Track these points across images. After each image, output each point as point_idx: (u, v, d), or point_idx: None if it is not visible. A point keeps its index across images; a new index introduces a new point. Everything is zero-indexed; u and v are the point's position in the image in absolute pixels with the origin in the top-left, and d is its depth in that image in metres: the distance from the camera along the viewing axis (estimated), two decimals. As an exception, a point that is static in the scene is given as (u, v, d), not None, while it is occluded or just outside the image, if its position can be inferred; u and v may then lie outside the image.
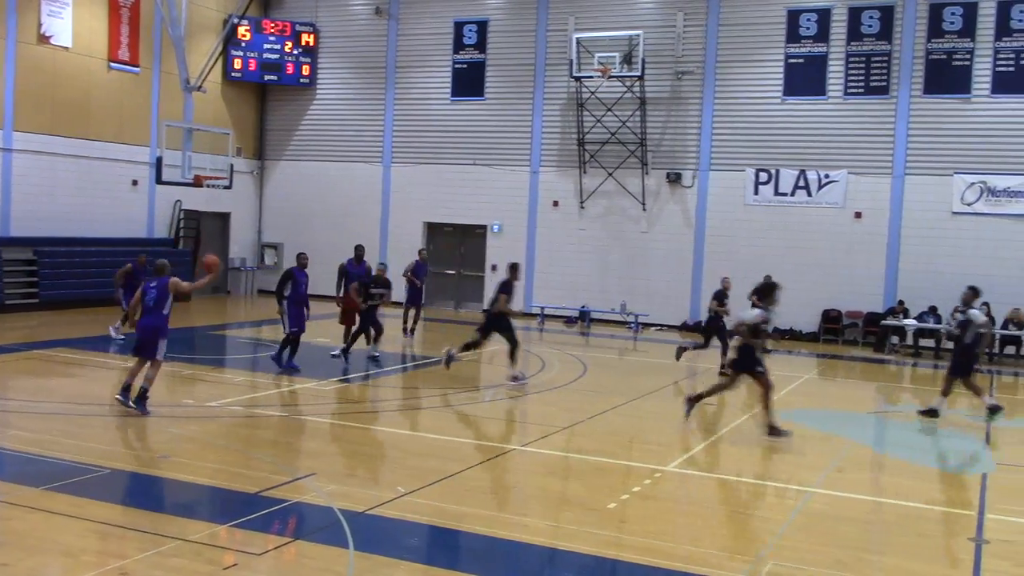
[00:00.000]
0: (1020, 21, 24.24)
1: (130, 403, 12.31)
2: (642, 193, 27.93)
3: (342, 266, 19.25)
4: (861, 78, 25.73)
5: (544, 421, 13.68)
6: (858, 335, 25.63)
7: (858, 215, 25.71)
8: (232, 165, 26.28)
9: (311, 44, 31.87)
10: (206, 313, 18.82)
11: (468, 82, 30.09)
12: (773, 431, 12.92)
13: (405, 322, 22.63)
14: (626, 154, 27.97)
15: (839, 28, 25.94)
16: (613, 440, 12.67)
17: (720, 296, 19.14)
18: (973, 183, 24.59)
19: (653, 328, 27.28)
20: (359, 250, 19.65)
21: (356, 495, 9.38)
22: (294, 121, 32.68)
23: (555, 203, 29.03)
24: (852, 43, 25.81)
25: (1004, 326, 23.75)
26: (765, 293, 14.01)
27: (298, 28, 31.67)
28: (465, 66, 30.14)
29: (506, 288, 16.59)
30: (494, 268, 29.43)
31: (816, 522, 9.34)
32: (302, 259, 17.35)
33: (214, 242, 30.81)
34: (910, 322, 24.22)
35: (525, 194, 29.43)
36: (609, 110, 27.97)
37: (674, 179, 27.58)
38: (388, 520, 8.65)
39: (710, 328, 19.39)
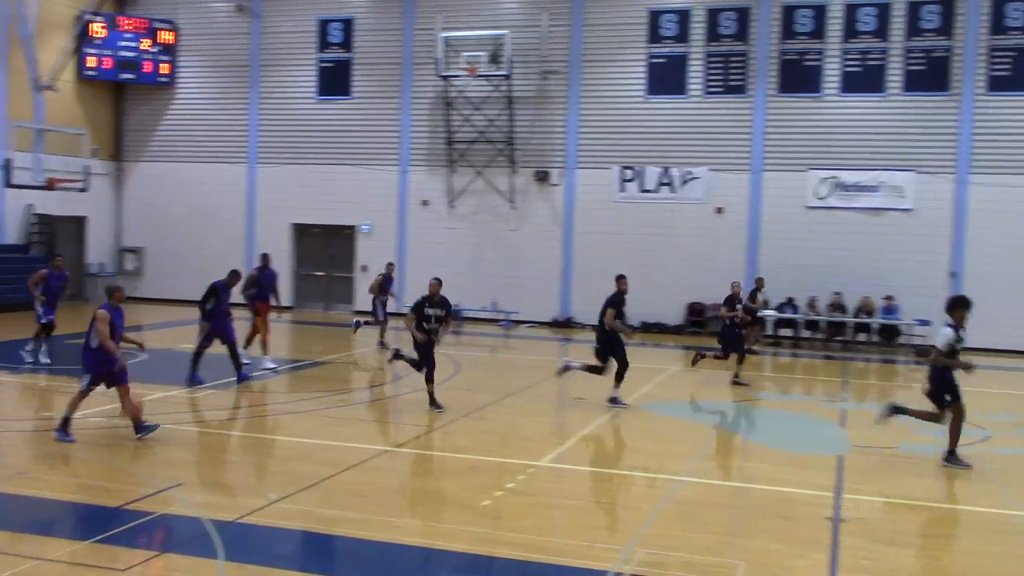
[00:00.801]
0: (866, 24, 25.43)
1: (138, 434, 11.60)
2: (511, 192, 28.15)
3: (253, 276, 18.41)
4: (720, 77, 26.55)
5: (418, 421, 13.65)
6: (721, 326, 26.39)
7: (719, 210, 26.52)
8: (88, 167, 25.30)
9: (170, 42, 30.92)
10: (62, 321, 18.02)
11: (334, 81, 29.74)
12: (952, 459, 11.85)
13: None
14: (495, 153, 28.14)
15: (698, 29, 26.70)
16: (486, 438, 12.74)
17: (731, 301, 18.16)
18: (826, 178, 25.67)
19: (524, 325, 27.52)
20: (265, 258, 18.80)
21: (225, 504, 9.18)
22: (154, 121, 31.66)
23: (425, 202, 28.97)
24: (711, 43, 26.60)
25: (855, 314, 24.88)
26: (955, 308, 12.06)
27: (156, 25, 30.70)
28: (331, 65, 29.77)
29: (613, 302, 15.13)
30: (364, 269, 29.18)
31: (685, 509, 9.61)
32: (233, 278, 16.31)
33: (69, 247, 29.57)
34: (769, 313, 25.11)
35: (395, 194, 29.28)
36: (477, 109, 28.08)
37: (542, 177, 27.89)
38: (259, 528, 8.49)
39: (726, 336, 18.14)
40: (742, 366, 18.26)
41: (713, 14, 26.55)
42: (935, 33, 24.99)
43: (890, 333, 25.05)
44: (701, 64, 26.68)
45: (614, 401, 14.92)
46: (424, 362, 14.22)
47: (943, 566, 8.34)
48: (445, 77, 27.90)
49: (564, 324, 27.46)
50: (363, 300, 29.51)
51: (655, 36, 27.01)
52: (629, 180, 27.23)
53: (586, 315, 24.79)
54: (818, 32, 25.78)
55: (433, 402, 14.12)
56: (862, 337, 25.32)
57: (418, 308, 14.37)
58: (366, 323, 21.86)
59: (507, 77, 27.37)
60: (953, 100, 24.87)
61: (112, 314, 11.49)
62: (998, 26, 24.57)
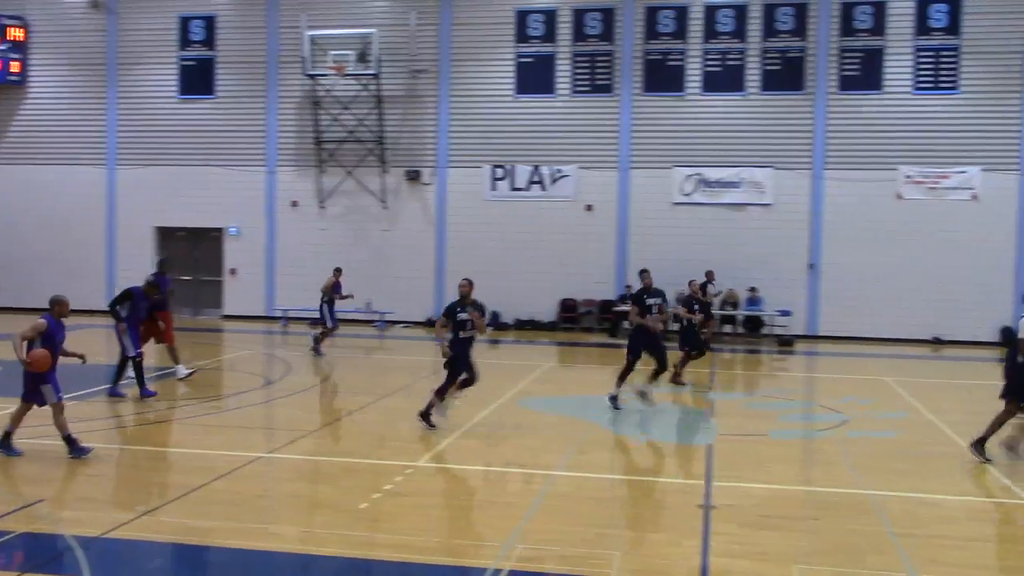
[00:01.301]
0: (724, 25, 26.24)
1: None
2: (382, 191, 27.96)
3: (152, 281, 17.60)
4: (587, 77, 26.98)
5: (291, 426, 13.43)
6: (594, 322, 26.89)
7: (589, 208, 26.95)
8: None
9: (20, 39, 29.54)
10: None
11: (197, 80, 28.95)
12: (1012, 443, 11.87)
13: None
14: (365, 152, 27.91)
15: (565, 29, 27.06)
16: (363, 440, 12.64)
17: (688, 301, 18.30)
18: (690, 175, 26.40)
19: (399, 325, 27.39)
20: (163, 264, 17.97)
21: (91, 519, 8.84)
22: (3, 122, 30.20)
23: (294, 203, 28.51)
24: (577, 43, 27.00)
25: (721, 306, 25.66)
26: None
27: (4, 22, 29.28)
28: (193, 63, 28.98)
29: (634, 298, 15.14)
30: (233, 272, 28.53)
31: (561, 504, 9.74)
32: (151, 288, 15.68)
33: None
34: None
35: (262, 195, 28.71)
36: (346, 108, 27.79)
37: (413, 177, 27.80)
38: (127, 542, 8.22)
39: (685, 336, 18.05)
40: (686, 366, 17.94)
41: (579, 14, 26.96)
42: (790, 35, 25.98)
43: (754, 324, 25.96)
44: (568, 63, 27.05)
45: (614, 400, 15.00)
46: (461, 370, 13.02)
47: (808, 546, 8.69)
48: (312, 76, 27.52)
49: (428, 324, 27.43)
50: (232, 304, 28.88)
51: (523, 36, 27.26)
52: (500, 179, 27.40)
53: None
54: (680, 33, 26.48)
55: (427, 416, 13.00)
56: (728, 328, 26.13)
57: (451, 312, 12.89)
58: (322, 334, 21.08)
59: (376, 76, 27.18)
60: (808, 99, 25.92)
61: (52, 326, 11.04)
62: (847, 28, 25.72)
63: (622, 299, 25.99)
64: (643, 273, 14.92)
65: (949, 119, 25.37)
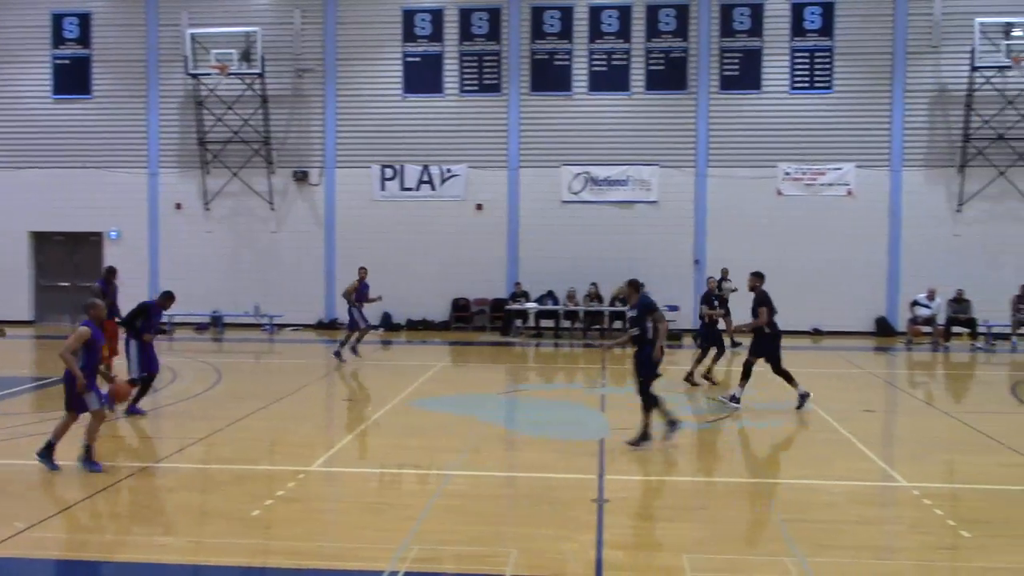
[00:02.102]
0: (609, 25, 26.65)
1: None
2: (269, 192, 27.50)
3: (97, 291, 16.72)
4: (475, 76, 27.04)
5: (179, 434, 13.09)
6: (486, 321, 26.98)
7: (479, 207, 27.03)
8: None
9: None
10: None
11: (72, 79, 27.97)
12: None
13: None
14: (251, 153, 27.40)
15: (452, 28, 27.07)
16: (254, 446, 12.41)
17: (708, 298, 18.04)
18: (579, 173, 26.72)
19: (289, 328, 26.98)
20: (111, 272, 17.33)
21: (-34, 538, 8.46)
22: None
23: (178, 206, 27.81)
24: (465, 43, 27.05)
25: (611, 303, 26.04)
26: None
27: None
28: (67, 62, 27.98)
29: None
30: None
31: (456, 503, 9.74)
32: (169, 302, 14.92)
33: None
34: (531, 305, 25.87)
35: (144, 197, 27.91)
36: (230, 108, 27.24)
37: (301, 177, 27.43)
38: (6, 560, 7.89)
39: (704, 333, 17.86)
40: (716, 363, 17.85)
41: (466, 14, 27.00)
42: (672, 35, 26.54)
43: (643, 319, 26.41)
44: (456, 63, 27.07)
45: (733, 399, 15.09)
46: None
47: (700, 534, 8.90)
48: (195, 75, 26.89)
49: (329, 325, 27.14)
50: (114, 310, 27.95)
51: (410, 35, 27.16)
52: (390, 179, 27.25)
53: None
54: (566, 33, 26.78)
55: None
56: (618, 325, 26.52)
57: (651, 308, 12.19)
58: (357, 337, 20.46)
59: (260, 75, 26.72)
60: (690, 98, 26.52)
61: (94, 332, 10.87)
62: (727, 29, 26.41)
63: (513, 297, 26.18)
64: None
65: (824, 118, 26.29)
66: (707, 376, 17.69)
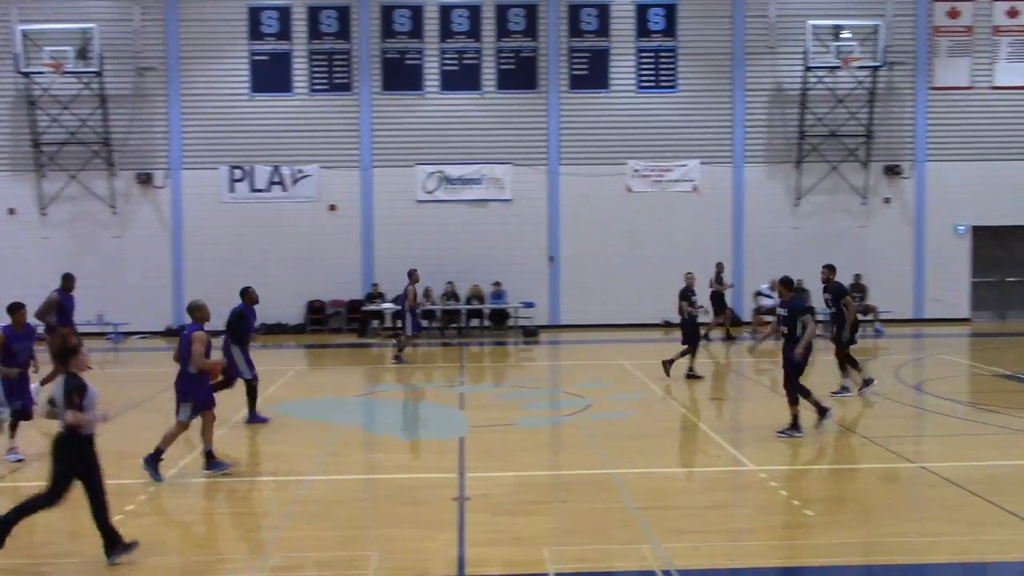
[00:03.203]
0: (460, 25, 26.73)
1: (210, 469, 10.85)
2: (111, 196, 26.44)
3: (54, 299, 15.92)
4: (325, 75, 26.68)
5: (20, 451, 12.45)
6: (342, 323, 26.68)
7: (332, 207, 26.69)
8: None
9: None
10: None
11: None
12: None
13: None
14: (90, 155, 26.28)
15: (300, 26, 26.62)
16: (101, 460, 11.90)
17: (686, 294, 17.91)
18: (433, 173, 26.72)
19: (135, 336, 26.01)
20: (69, 279, 16.46)
21: None
22: None
23: (11, 211, 26.40)
24: (313, 41, 26.64)
25: (467, 301, 26.16)
26: None
27: None
28: None
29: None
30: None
31: (315, 508, 9.62)
32: (251, 294, 14.89)
33: None
34: (388, 306, 25.72)
35: (-27, 203, 26.39)
36: (67, 108, 26.05)
37: (145, 180, 26.47)
38: None
39: (685, 329, 17.83)
40: (683, 356, 17.77)
41: (314, 12, 26.60)
42: (522, 35, 26.83)
43: (500, 317, 26.64)
44: (305, 62, 26.64)
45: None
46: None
47: (559, 527, 9.05)
48: (27, 74, 25.60)
49: (178, 332, 26.27)
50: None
51: (256, 33, 26.57)
52: (239, 180, 26.60)
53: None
54: (416, 32, 26.71)
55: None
56: (475, 323, 26.69)
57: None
58: (402, 343, 20.54)
59: (98, 74, 25.66)
60: (541, 97, 26.87)
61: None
62: (575, 29, 26.88)
63: (369, 298, 25.97)
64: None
65: (670, 116, 27.08)
66: (667, 366, 17.78)
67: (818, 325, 14.03)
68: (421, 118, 26.79)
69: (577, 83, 26.90)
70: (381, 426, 14.64)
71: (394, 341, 21.01)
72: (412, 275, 20.47)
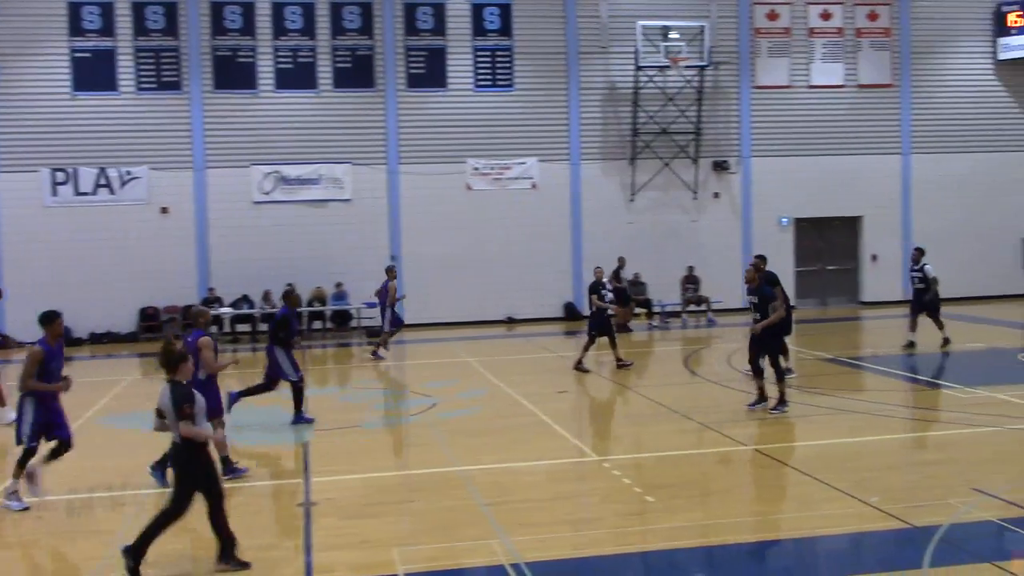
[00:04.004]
0: (293, 22, 26.24)
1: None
2: (-81, 201, 24.73)
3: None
4: (152, 73, 25.69)
5: None
6: (178, 329, 25.75)
7: (164, 210, 25.75)
8: None
9: None
10: None
11: None
12: None
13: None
14: None
15: (124, 22, 25.54)
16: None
17: (596, 288, 17.89)
18: (269, 173, 26.14)
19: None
20: None
21: None
22: None
23: None
24: (139, 38, 25.62)
25: (309, 303, 25.73)
26: None
27: None
28: None
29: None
30: None
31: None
32: (294, 297, 14.48)
33: None
34: (226, 310, 25.04)
35: None
36: None
37: (-43, 184, 24.87)
38: None
39: (594, 321, 17.87)
40: (617, 348, 17.95)
41: (139, 8, 25.57)
42: (358, 33, 26.56)
43: (342, 318, 26.34)
44: (131, 59, 25.59)
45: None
46: None
47: (408, 527, 9.04)
48: None
49: (3, 345, 24.82)
50: None
51: (77, 29, 25.34)
52: (62, 183, 25.32)
53: (23, 333, 22.39)
54: (248, 29, 26.06)
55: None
56: (317, 325, 26.28)
57: None
58: (382, 338, 20.78)
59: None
60: (379, 96, 26.68)
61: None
62: (411, 28, 26.80)
63: (206, 303, 25.17)
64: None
65: (508, 114, 27.36)
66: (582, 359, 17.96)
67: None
68: (256, 117, 26.16)
69: (415, 82, 26.84)
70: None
71: (369, 340, 21.40)
72: (390, 271, 21.05)
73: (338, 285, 25.97)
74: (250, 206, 26.09)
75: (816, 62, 28.72)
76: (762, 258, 16.14)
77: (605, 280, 18.59)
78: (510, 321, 27.13)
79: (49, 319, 10.02)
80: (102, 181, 25.45)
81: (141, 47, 25.61)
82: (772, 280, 15.48)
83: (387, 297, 20.70)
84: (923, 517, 8.69)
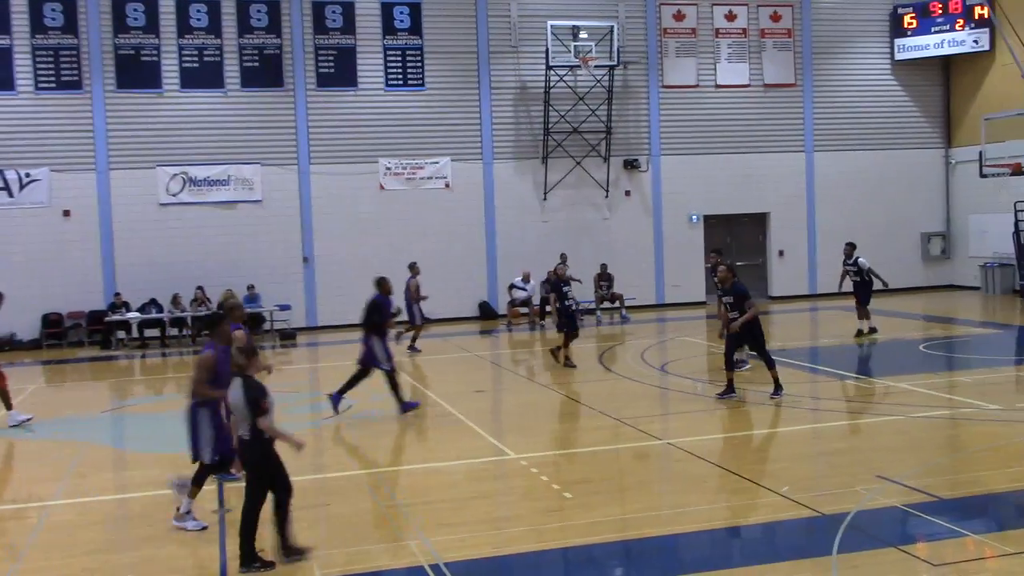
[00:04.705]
0: (198, 20, 25.71)
1: None
2: None
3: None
4: (51, 72, 24.92)
5: None
6: (83, 335, 25.07)
7: (67, 213, 25.01)
8: None
9: None
10: None
11: None
12: None
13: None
14: None
15: (21, 19, 24.72)
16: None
17: (557, 286, 18.06)
18: (176, 174, 25.59)
19: None
20: None
21: None
22: None
23: None
24: (37, 35, 24.82)
25: (220, 307, 25.17)
26: None
27: None
28: None
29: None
30: None
31: (61, 535, 9.03)
32: (387, 285, 14.78)
33: None
34: (133, 315, 24.44)
35: None
36: None
37: None
38: None
39: (560, 319, 17.95)
40: (568, 348, 17.90)
41: (36, 3, 24.76)
42: (265, 32, 26.16)
43: (255, 321, 25.86)
44: (29, 57, 24.78)
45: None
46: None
47: (323, 532, 8.94)
48: None
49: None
50: None
51: (-30, 26, 24.45)
52: (-44, 186, 24.40)
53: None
54: (152, 27, 25.45)
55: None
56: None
57: None
58: (407, 332, 21.28)
59: None
60: (288, 95, 26.34)
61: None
62: (320, 27, 26.51)
63: (112, 308, 24.54)
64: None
65: (420, 114, 27.26)
66: (560, 355, 17.93)
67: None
68: (161, 117, 25.57)
69: (325, 81, 26.56)
70: (132, 441, 13.92)
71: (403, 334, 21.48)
72: (412, 268, 21.87)
73: (250, 288, 25.53)
74: (157, 208, 25.51)
75: (722, 62, 29.29)
76: (719, 252, 17.00)
77: (568, 276, 18.78)
78: (425, 321, 27.02)
79: (219, 320, 9.85)
80: (0, 184, 24.60)
81: (39, 45, 24.82)
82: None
83: (411, 294, 21.40)
84: (831, 505, 8.93)
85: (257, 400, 7.69)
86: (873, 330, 20.31)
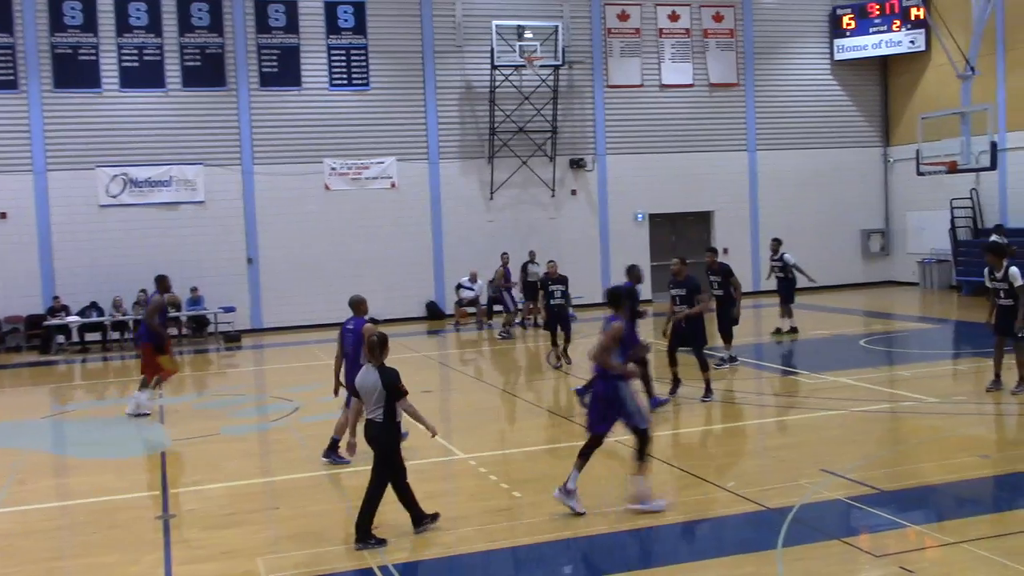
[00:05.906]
0: (138, 19, 25.32)
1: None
2: None
3: (159, 301, 14.92)
4: (-15, 71, 24.40)
5: None
6: (21, 340, 24.54)
7: (3, 215, 24.49)
8: None
9: None
10: None
11: None
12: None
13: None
14: None
15: (-48, 18, 24.15)
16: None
17: (544, 284, 18.25)
18: (116, 175, 25.17)
19: None
20: (163, 281, 14.98)
21: None
22: None
23: None
24: (-30, 34, 24.28)
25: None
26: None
27: None
28: None
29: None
30: None
31: (1, 544, 8.84)
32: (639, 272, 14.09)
33: None
34: (73, 319, 23.99)
35: None
36: None
37: None
38: None
39: (548, 318, 18.18)
40: (559, 347, 17.76)
41: (-31, 2, 24.22)
42: (207, 30, 25.83)
43: (199, 324, 25.57)
44: (-39, 56, 24.21)
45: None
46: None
47: (273, 535, 8.87)
48: None
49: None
50: None
51: (-101, 24, 23.80)
52: None
53: None
54: (90, 25, 25.01)
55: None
56: (173, 331, 25.39)
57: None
58: (512, 323, 23.21)
59: None
60: (230, 95, 26.04)
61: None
62: (263, 26, 26.25)
63: (51, 312, 24.07)
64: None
65: (365, 113, 27.12)
66: (552, 355, 17.91)
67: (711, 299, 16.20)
68: (100, 118, 25.13)
69: (268, 80, 26.30)
70: (74, 447, 13.67)
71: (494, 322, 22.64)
72: (503, 257, 25.03)
73: (193, 290, 25.22)
74: (96, 210, 25.07)
75: (666, 62, 29.55)
76: (714, 251, 17.65)
77: (557, 275, 18.66)
78: (372, 321, 26.85)
79: None
80: (-67, 186, 24.01)
81: (-28, 44, 24.26)
82: (727, 271, 16.83)
83: (503, 282, 24.27)
84: (776, 499, 9.06)
85: (396, 385, 8.37)
86: (793, 329, 20.58)
